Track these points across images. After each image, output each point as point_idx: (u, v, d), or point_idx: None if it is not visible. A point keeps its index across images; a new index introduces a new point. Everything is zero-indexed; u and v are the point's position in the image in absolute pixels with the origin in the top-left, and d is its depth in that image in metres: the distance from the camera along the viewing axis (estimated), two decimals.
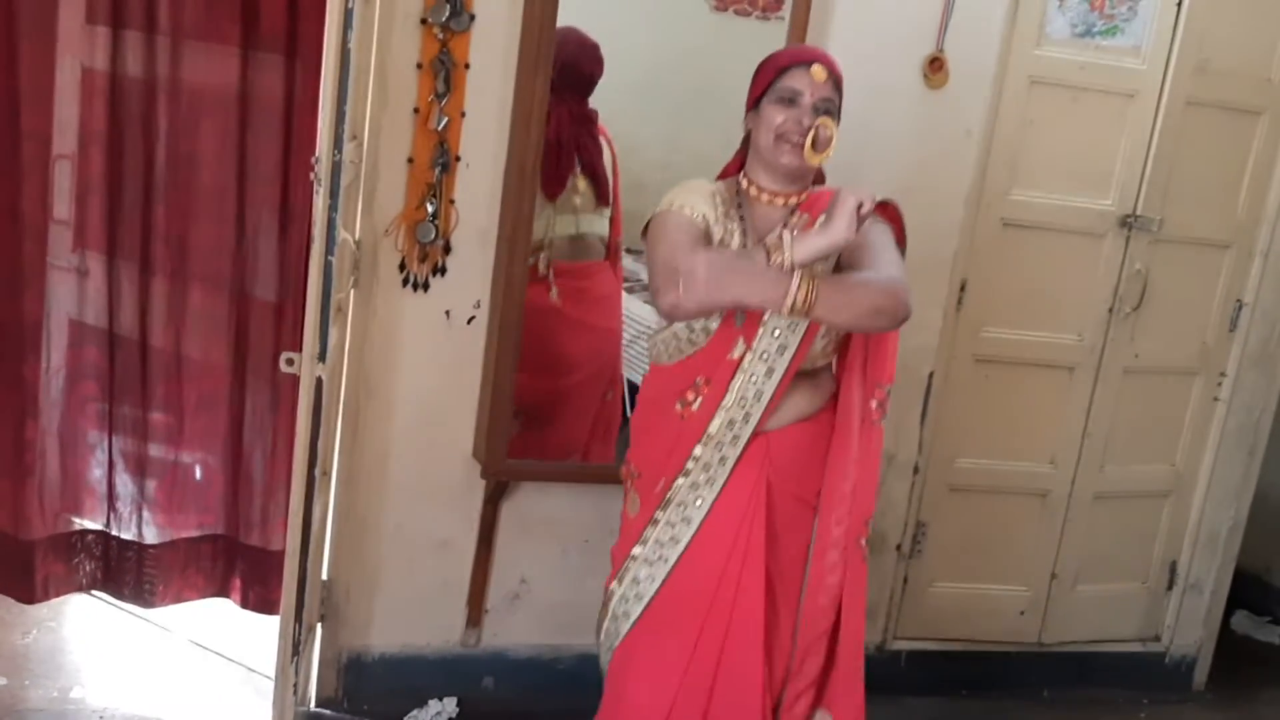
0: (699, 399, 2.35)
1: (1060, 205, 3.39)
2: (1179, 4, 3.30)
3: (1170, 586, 3.86)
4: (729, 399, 2.34)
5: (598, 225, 3.18)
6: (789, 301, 2.08)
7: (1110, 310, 3.50)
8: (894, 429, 3.39)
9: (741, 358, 2.33)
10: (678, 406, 2.38)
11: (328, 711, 3.11)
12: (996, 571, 3.65)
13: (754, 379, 2.33)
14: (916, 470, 3.46)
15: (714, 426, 2.35)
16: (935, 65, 3.16)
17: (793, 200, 2.35)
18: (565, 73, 2.86)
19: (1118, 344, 3.53)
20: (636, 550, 2.42)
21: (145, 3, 2.85)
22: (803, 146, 2.26)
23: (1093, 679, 3.80)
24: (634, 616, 2.43)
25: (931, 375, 3.39)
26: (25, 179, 2.90)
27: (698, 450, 2.36)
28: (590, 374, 3.25)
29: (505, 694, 3.26)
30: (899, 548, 3.51)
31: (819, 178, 2.44)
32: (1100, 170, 3.40)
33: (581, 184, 3.11)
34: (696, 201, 2.32)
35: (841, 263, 2.42)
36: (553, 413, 3.20)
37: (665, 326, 2.39)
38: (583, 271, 3.20)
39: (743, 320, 2.31)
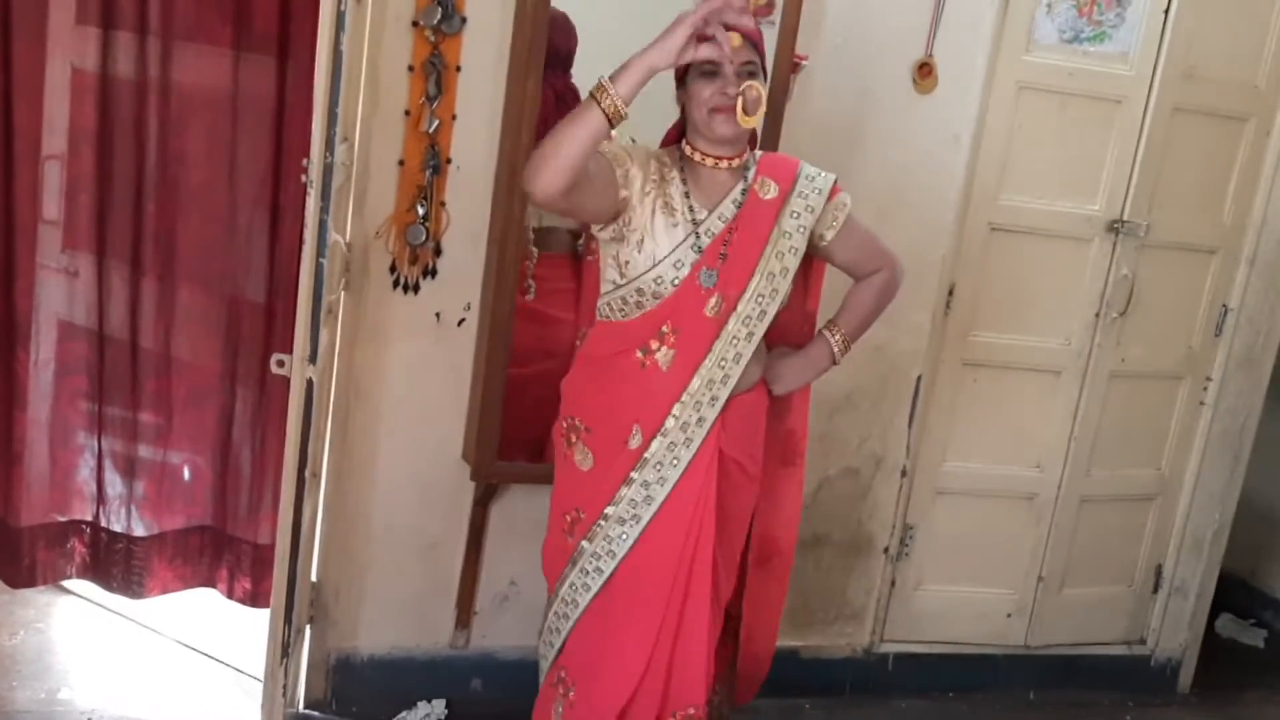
0: (663, 348, 2.38)
1: (1048, 210, 3.41)
2: (1166, 11, 3.32)
3: (1156, 590, 3.89)
4: (709, 361, 2.38)
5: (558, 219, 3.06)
6: (834, 364, 2.57)
7: (1097, 315, 3.51)
8: (882, 432, 3.41)
9: (724, 318, 2.37)
10: (638, 354, 2.40)
11: (316, 713, 3.11)
12: (983, 574, 3.67)
13: (735, 341, 2.39)
14: (904, 473, 3.47)
15: (694, 385, 2.38)
16: (925, 70, 3.17)
17: (735, 163, 2.41)
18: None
19: (1104, 348, 3.55)
20: (609, 510, 2.42)
21: (136, 3, 2.86)
22: (735, 114, 2.31)
23: (1078, 681, 3.82)
24: (606, 573, 2.44)
25: (919, 379, 3.40)
26: (15, 179, 2.90)
27: (676, 410, 2.38)
28: (544, 369, 3.15)
29: (494, 695, 3.26)
30: (886, 550, 3.53)
31: (753, 139, 2.52)
32: (1088, 175, 3.42)
33: None
34: (626, 160, 2.35)
35: (836, 262, 2.56)
36: (508, 403, 3.15)
37: (615, 288, 2.41)
38: (544, 261, 3.09)
39: (714, 281, 2.36)
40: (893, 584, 3.57)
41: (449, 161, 2.88)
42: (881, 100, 3.17)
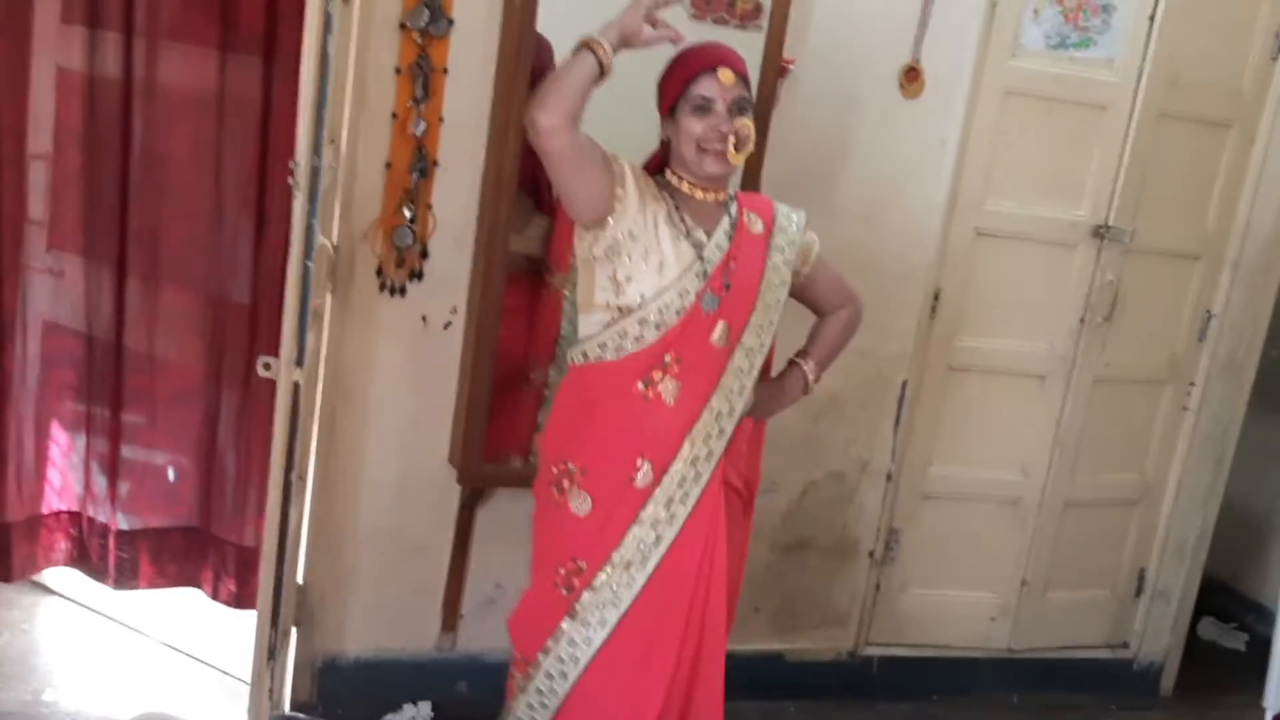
0: (667, 378, 2.34)
1: (1033, 215, 3.42)
2: (1151, 17, 3.34)
3: (1138, 593, 3.90)
4: (718, 394, 2.36)
5: (528, 244, 2.99)
6: (807, 392, 2.60)
7: (1082, 320, 3.53)
8: (867, 436, 3.42)
9: (730, 349, 2.36)
10: (639, 386, 2.34)
11: (302, 715, 3.10)
12: (967, 578, 3.68)
13: (740, 374, 2.39)
14: (889, 477, 3.48)
15: (704, 418, 2.35)
16: (911, 75, 3.18)
17: (721, 195, 2.41)
18: None
19: (1089, 353, 3.56)
20: (616, 555, 2.35)
21: (122, 3, 2.85)
22: (725, 153, 2.32)
23: (1062, 685, 3.83)
24: (611, 624, 2.35)
25: (905, 383, 3.41)
26: (0, 179, 2.88)
27: (686, 445, 2.34)
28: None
29: (480, 698, 3.24)
30: (871, 554, 3.53)
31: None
32: (1073, 181, 3.43)
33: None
34: (628, 168, 2.34)
35: (805, 297, 2.59)
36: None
37: (604, 327, 2.35)
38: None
39: (715, 306, 2.34)
40: (877, 587, 3.58)
41: (436, 164, 2.87)
42: (868, 105, 3.18)
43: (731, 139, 2.30)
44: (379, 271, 2.91)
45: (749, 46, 2.84)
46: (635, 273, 2.32)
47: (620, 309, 2.34)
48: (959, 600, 3.69)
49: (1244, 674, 3.82)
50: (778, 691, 3.46)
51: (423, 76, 2.80)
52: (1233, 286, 3.68)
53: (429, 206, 2.89)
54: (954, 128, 3.26)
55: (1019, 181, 3.38)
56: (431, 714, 3.17)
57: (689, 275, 2.33)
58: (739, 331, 2.37)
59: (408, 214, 2.87)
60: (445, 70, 2.82)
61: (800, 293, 2.56)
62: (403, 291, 2.93)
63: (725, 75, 2.30)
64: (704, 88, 2.31)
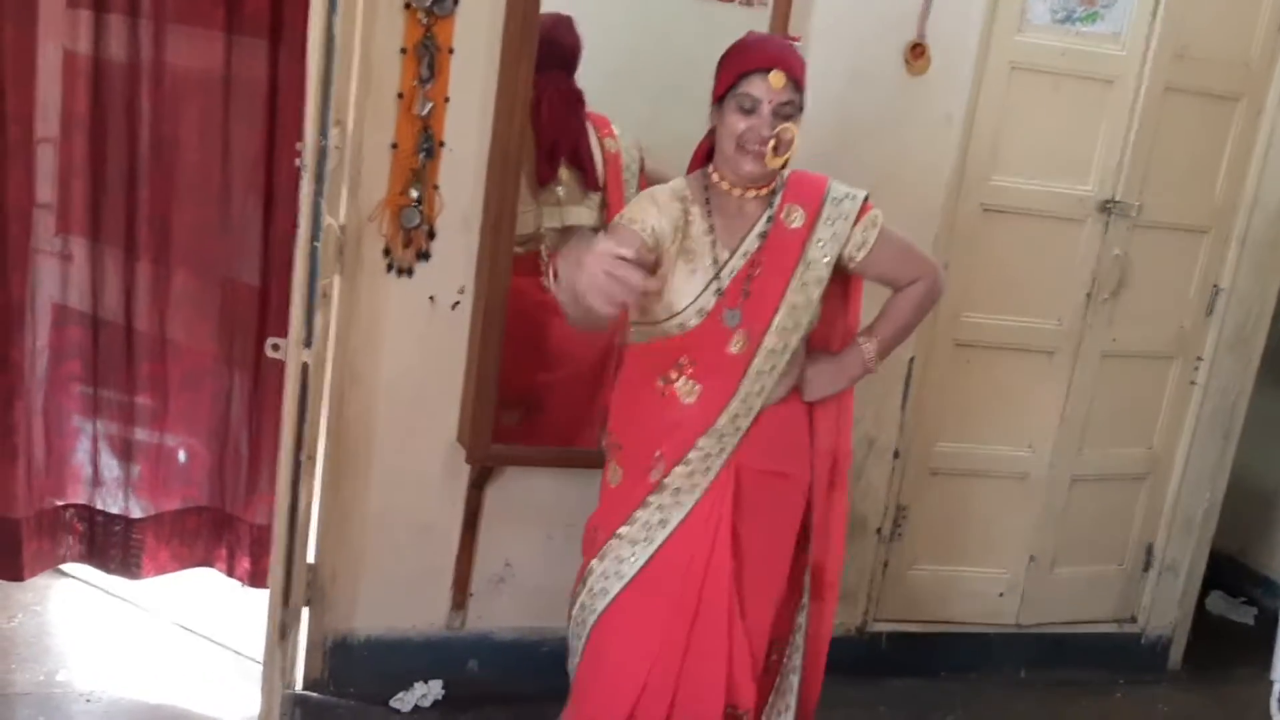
0: (682, 378, 2.38)
1: (1040, 191, 3.41)
2: None
3: (1146, 568, 3.91)
4: (736, 399, 2.38)
5: (585, 216, 3.11)
6: (868, 371, 2.51)
7: (1089, 295, 3.53)
8: (874, 414, 3.42)
9: (750, 355, 2.37)
10: (658, 383, 2.40)
11: (314, 694, 3.13)
12: (975, 554, 3.69)
13: (760, 376, 2.39)
14: (897, 454, 3.49)
15: (721, 421, 2.38)
16: (916, 51, 3.17)
17: (763, 191, 2.39)
18: (544, 49, 2.82)
19: (1096, 329, 3.56)
20: (623, 530, 2.43)
21: None
22: (764, 155, 2.30)
23: (1070, 660, 3.85)
24: (612, 594, 2.44)
25: (912, 360, 3.41)
26: (8, 163, 2.89)
27: (701, 443, 2.38)
28: (574, 372, 3.18)
29: (490, 676, 3.28)
30: (879, 531, 3.54)
31: None
32: (1080, 156, 3.42)
33: (564, 173, 3.07)
34: (648, 215, 2.33)
35: (870, 278, 2.53)
36: (543, 406, 3.17)
37: (642, 321, 2.42)
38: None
39: (737, 321, 2.35)
40: (885, 564, 3.59)
41: (442, 144, 2.88)
42: (873, 82, 3.17)
43: (771, 143, 2.29)
44: (386, 252, 2.91)
45: (754, 24, 2.84)
46: (649, 304, 2.37)
47: (642, 321, 2.42)
48: (967, 576, 3.70)
49: (1252, 648, 3.84)
50: None
51: (428, 57, 2.80)
52: (1240, 260, 3.67)
53: (436, 187, 2.90)
54: (960, 104, 3.25)
55: (1025, 157, 3.37)
56: (442, 692, 3.19)
57: (705, 296, 2.36)
58: (759, 338, 2.38)
59: (414, 194, 2.88)
60: (451, 50, 2.82)
61: (863, 274, 2.51)
62: (410, 272, 2.94)
63: (776, 79, 2.27)
64: (753, 87, 2.29)
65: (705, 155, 2.46)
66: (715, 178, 2.40)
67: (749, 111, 2.29)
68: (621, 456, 2.48)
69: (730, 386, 2.38)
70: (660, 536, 2.41)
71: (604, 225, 3.04)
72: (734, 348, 2.37)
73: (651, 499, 2.41)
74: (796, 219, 2.40)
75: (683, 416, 2.39)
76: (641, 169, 3.13)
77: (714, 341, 2.37)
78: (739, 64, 2.32)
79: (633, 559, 2.42)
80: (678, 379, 2.38)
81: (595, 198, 3.10)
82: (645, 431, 2.43)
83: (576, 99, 3.03)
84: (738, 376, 2.38)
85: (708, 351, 2.37)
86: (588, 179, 3.08)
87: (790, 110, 2.31)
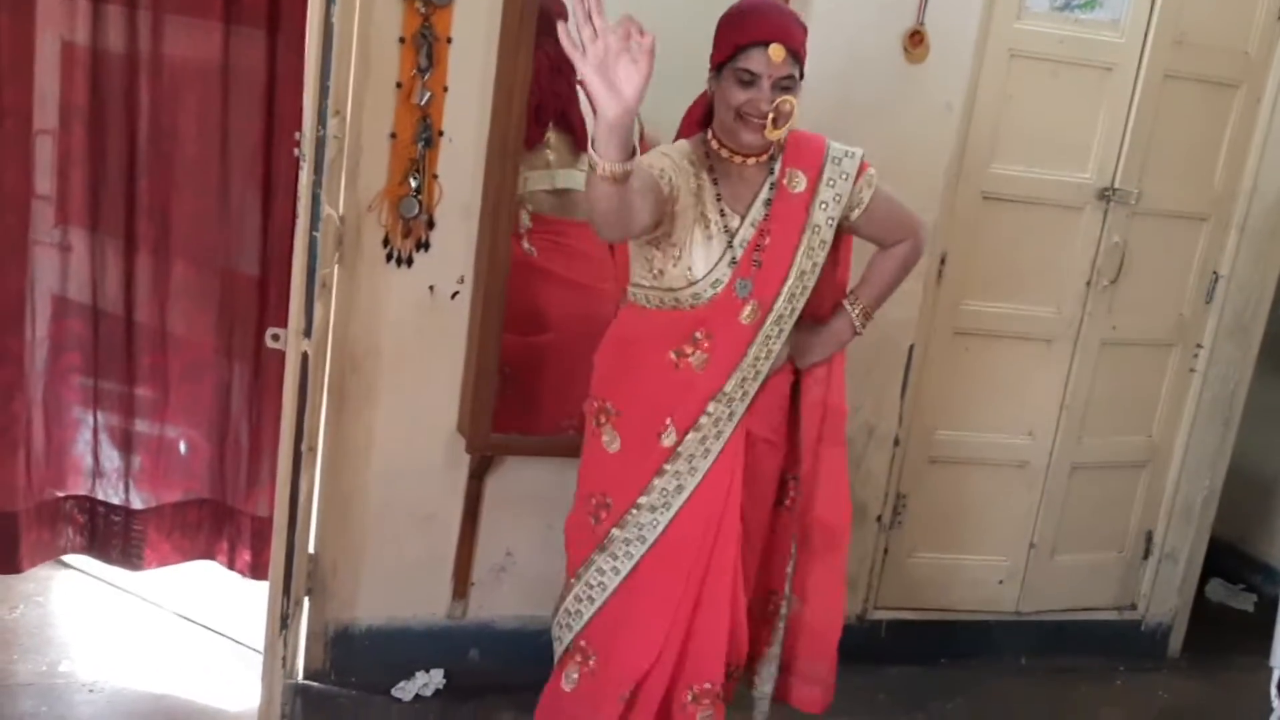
0: (697, 352, 2.40)
1: (1039, 178, 3.41)
2: None
3: (1146, 555, 3.91)
4: (744, 363, 2.41)
5: (577, 179, 3.07)
6: (856, 335, 2.54)
7: (1088, 283, 3.53)
8: (874, 402, 3.42)
9: (760, 323, 2.39)
10: (671, 356, 2.41)
11: (315, 684, 3.13)
12: (975, 542, 3.69)
13: (768, 340, 2.42)
14: (897, 442, 3.49)
15: (729, 386, 2.41)
16: (916, 39, 3.17)
17: (763, 159, 2.39)
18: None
19: (1095, 316, 3.56)
20: (642, 500, 2.45)
21: None
22: (763, 128, 2.29)
23: (1070, 647, 3.85)
24: (636, 557, 2.46)
25: (911, 348, 3.41)
26: (6, 154, 2.89)
27: (710, 407, 2.41)
28: (569, 335, 3.11)
29: (491, 665, 3.28)
30: (879, 519, 3.55)
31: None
32: (1079, 143, 3.42)
33: (552, 137, 3.04)
34: (664, 163, 2.32)
35: (862, 235, 2.54)
36: (531, 372, 3.13)
37: (645, 286, 2.42)
38: (563, 228, 3.11)
39: (749, 291, 2.37)
40: (886, 552, 3.60)
41: (441, 134, 2.88)
42: (872, 69, 3.16)
43: (771, 115, 2.28)
44: (386, 242, 2.92)
45: None
46: (667, 268, 2.38)
47: (656, 285, 2.41)
48: (967, 564, 3.71)
49: (1252, 635, 3.83)
50: None
51: (426, 46, 2.79)
52: (1240, 248, 3.67)
53: (435, 176, 2.90)
54: (959, 91, 3.25)
55: (1025, 145, 3.37)
56: (443, 681, 3.19)
57: (720, 266, 2.37)
58: (769, 305, 2.40)
59: (413, 184, 2.88)
60: (449, 39, 2.82)
61: (855, 231, 2.54)
62: (409, 261, 2.94)
63: (776, 52, 2.24)
64: (753, 61, 2.27)
65: (701, 120, 2.44)
66: (715, 146, 2.39)
67: (748, 84, 2.28)
68: (619, 422, 2.47)
69: (738, 354, 2.40)
70: (678, 502, 2.44)
71: None
72: (745, 318, 2.39)
73: (668, 466, 2.43)
74: (799, 183, 2.41)
75: (691, 387, 2.41)
76: (641, 136, 3.10)
77: (727, 313, 2.38)
78: (737, 34, 2.30)
79: (654, 525, 2.45)
80: (692, 353, 2.40)
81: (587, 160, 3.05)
82: (651, 401, 2.44)
83: (567, 64, 2.98)
84: (746, 344, 2.40)
85: (720, 324, 2.38)
86: (578, 141, 3.05)
87: (789, 83, 2.30)
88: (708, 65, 2.39)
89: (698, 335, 2.39)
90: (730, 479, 2.45)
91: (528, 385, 3.15)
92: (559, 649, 2.62)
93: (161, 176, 2.99)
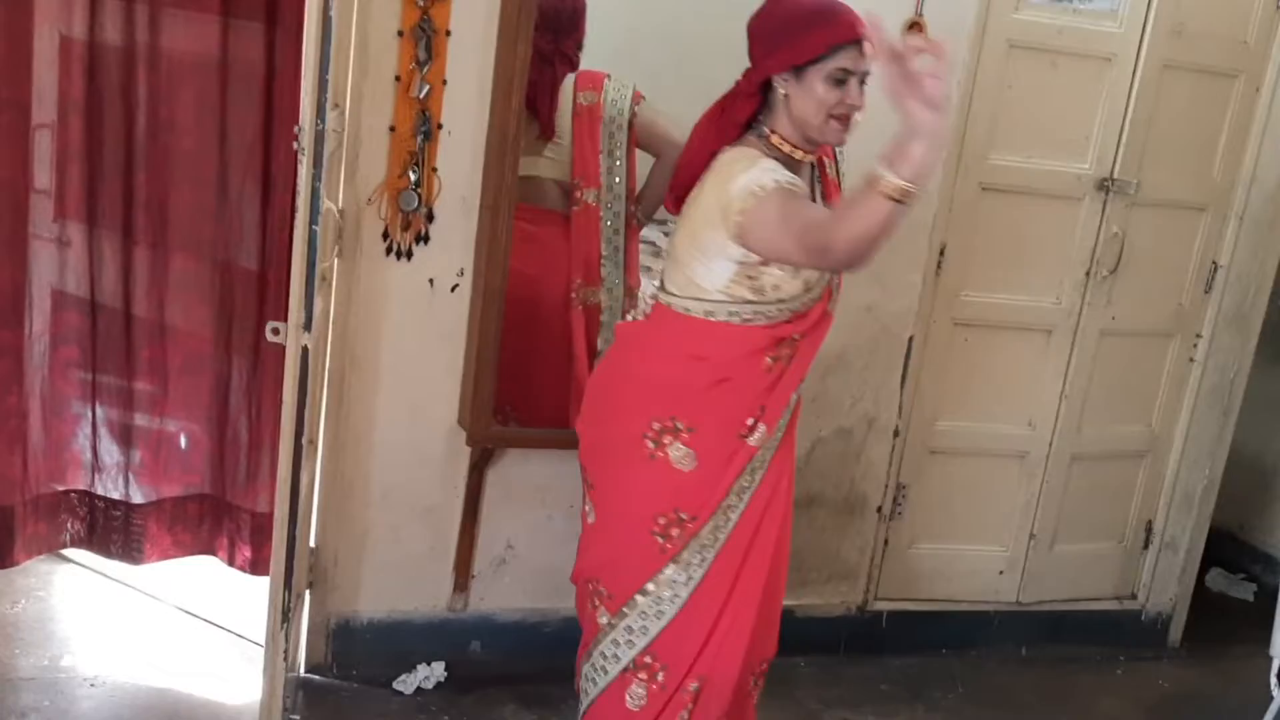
0: (793, 355, 2.39)
1: (1038, 169, 3.41)
2: None
3: (1146, 545, 3.92)
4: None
5: (544, 166, 3.03)
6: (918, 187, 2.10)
7: (1087, 273, 3.53)
8: (874, 393, 3.42)
9: (834, 313, 2.45)
10: (767, 361, 2.36)
11: (317, 677, 3.14)
12: (975, 532, 3.70)
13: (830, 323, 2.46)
14: (897, 433, 3.50)
15: (808, 377, 2.45)
16: (914, 29, 3.16)
17: (810, 157, 2.40)
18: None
19: (1095, 306, 3.56)
20: (720, 504, 2.40)
21: None
22: (849, 125, 2.30)
23: (1070, 637, 3.86)
24: (709, 560, 2.41)
25: (911, 339, 3.41)
26: (4, 149, 2.88)
27: (792, 396, 2.42)
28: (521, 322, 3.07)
29: (492, 657, 3.29)
30: (880, 510, 3.55)
31: None
32: (1078, 134, 3.42)
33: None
34: (786, 173, 2.27)
35: None
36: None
37: (745, 302, 2.32)
38: (530, 216, 3.02)
39: (834, 284, 2.42)
40: (886, 542, 3.60)
41: (440, 127, 2.87)
42: (871, 58, 3.15)
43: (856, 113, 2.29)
44: (385, 235, 2.91)
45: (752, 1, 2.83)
46: (784, 283, 2.32)
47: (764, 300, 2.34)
48: (967, 554, 3.71)
49: (1252, 624, 3.85)
50: (787, 646, 3.42)
51: (425, 39, 2.79)
52: (1239, 238, 3.67)
53: (434, 169, 2.90)
54: (958, 82, 3.24)
55: (1023, 135, 3.37)
56: (445, 673, 3.19)
57: (825, 274, 2.36)
58: (840, 287, 2.44)
59: (413, 177, 2.87)
60: (448, 32, 2.81)
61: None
62: (409, 255, 2.94)
63: (868, 49, 2.23)
64: (849, 61, 2.25)
65: (746, 122, 2.37)
66: (787, 148, 2.34)
67: (842, 84, 2.27)
68: (693, 439, 2.37)
69: (822, 341, 2.44)
70: (748, 498, 2.43)
71: (569, 177, 3.04)
72: (832, 306, 2.43)
73: (748, 465, 2.40)
74: (830, 168, 2.46)
75: (783, 384, 2.39)
76: (631, 122, 3.08)
77: (821, 307, 2.39)
78: (830, 34, 2.25)
79: (727, 525, 2.42)
80: (790, 354, 2.38)
81: (558, 149, 3.02)
82: (738, 405, 2.37)
83: (545, 58, 2.94)
84: (828, 329, 2.44)
85: (815, 319, 2.39)
86: (543, 127, 3.00)
87: (867, 77, 2.29)
88: (748, 65, 2.34)
89: (796, 336, 2.37)
90: (779, 469, 2.45)
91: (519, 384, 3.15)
92: (603, 680, 2.52)
93: (160, 170, 2.98)
